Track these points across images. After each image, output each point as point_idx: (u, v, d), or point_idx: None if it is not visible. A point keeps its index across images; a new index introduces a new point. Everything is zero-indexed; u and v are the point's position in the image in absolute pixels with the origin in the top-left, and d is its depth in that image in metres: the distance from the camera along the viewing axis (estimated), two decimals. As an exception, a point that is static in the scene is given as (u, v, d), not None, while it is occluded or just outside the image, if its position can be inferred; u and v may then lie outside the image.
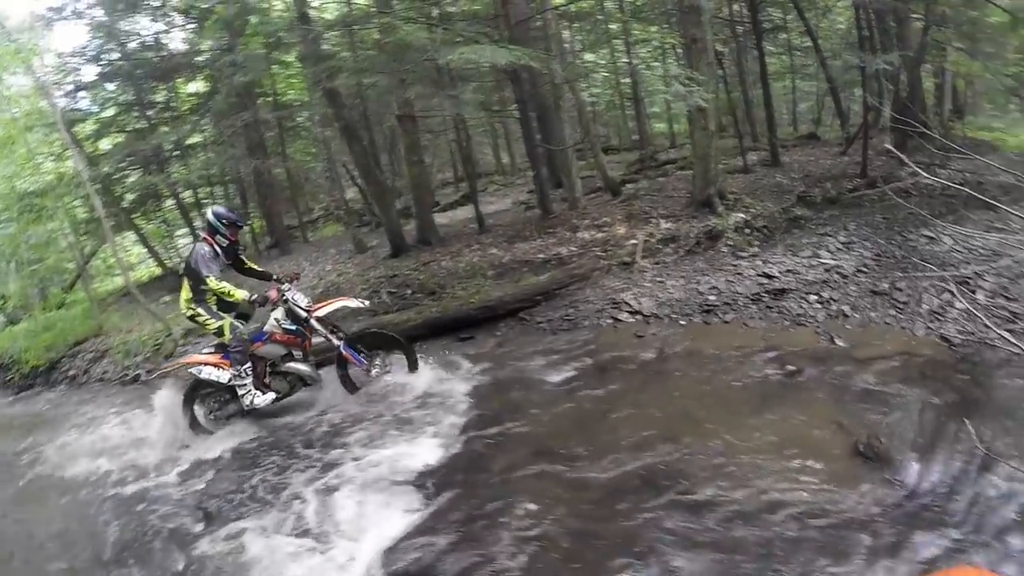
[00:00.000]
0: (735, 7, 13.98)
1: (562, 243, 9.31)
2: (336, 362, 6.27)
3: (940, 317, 6.59)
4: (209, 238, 5.96)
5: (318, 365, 6.45)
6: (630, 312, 7.25)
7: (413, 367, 6.36)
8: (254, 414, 6.16)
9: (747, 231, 8.26)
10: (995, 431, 4.61)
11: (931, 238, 8.15)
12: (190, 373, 6.16)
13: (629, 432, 4.90)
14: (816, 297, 6.95)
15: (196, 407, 6.26)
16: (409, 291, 9.16)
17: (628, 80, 15.60)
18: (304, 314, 6.05)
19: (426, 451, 5.00)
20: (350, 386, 6.29)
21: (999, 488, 3.97)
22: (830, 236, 8.10)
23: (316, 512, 4.46)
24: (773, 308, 6.90)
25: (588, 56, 16.59)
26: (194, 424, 6.22)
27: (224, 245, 6.05)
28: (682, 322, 6.94)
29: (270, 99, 15.02)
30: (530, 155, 10.98)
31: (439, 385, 6.20)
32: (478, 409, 5.66)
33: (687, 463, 4.45)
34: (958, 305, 6.27)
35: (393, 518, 4.24)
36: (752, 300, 7.01)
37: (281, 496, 4.78)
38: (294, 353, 6.25)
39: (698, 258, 8.02)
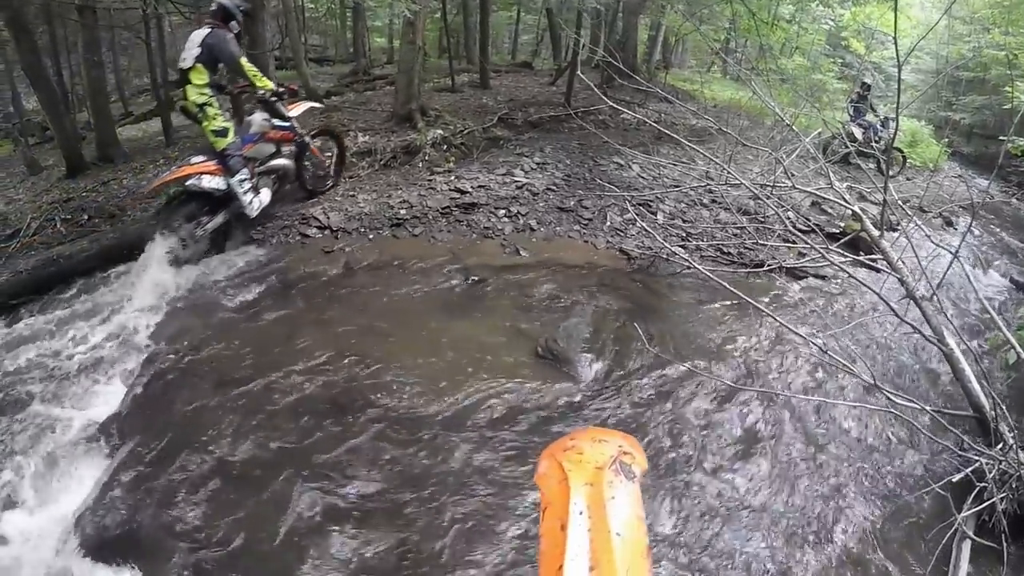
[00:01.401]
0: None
1: (255, 155, 8.43)
2: (298, 157, 6.57)
3: (621, 233, 6.89)
4: (223, 24, 5.63)
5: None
6: (319, 227, 6.71)
7: (343, 160, 7.33)
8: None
9: (445, 147, 8.04)
10: (659, 331, 5.07)
11: (621, 165, 8.52)
12: (189, 185, 5.72)
13: (314, 352, 4.60)
14: (505, 212, 6.91)
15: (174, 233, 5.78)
16: (86, 216, 7.75)
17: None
18: (287, 113, 6.20)
19: (106, 398, 4.36)
20: (307, 179, 6.90)
21: (660, 376, 4.48)
22: (526, 157, 8.14)
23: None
24: (463, 222, 6.76)
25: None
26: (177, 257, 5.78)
27: (236, 32, 5.79)
28: (371, 236, 6.57)
29: None
30: (226, 59, 9.80)
31: (117, 319, 5.33)
32: (159, 342, 4.95)
33: (374, 378, 4.29)
34: (638, 224, 6.51)
35: (80, 481, 3.71)
36: (442, 214, 6.82)
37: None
38: (282, 149, 6.39)
39: (393, 172, 7.66)
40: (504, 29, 18.01)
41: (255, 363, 4.53)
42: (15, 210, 8.54)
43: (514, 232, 6.65)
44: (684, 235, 7.01)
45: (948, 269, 4.51)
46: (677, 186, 7.74)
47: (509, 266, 6.00)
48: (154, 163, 9.07)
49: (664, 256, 6.24)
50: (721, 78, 18.46)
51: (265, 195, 6.15)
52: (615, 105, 7.45)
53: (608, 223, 7.00)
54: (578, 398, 4.17)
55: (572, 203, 7.23)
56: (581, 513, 0.68)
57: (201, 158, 5.78)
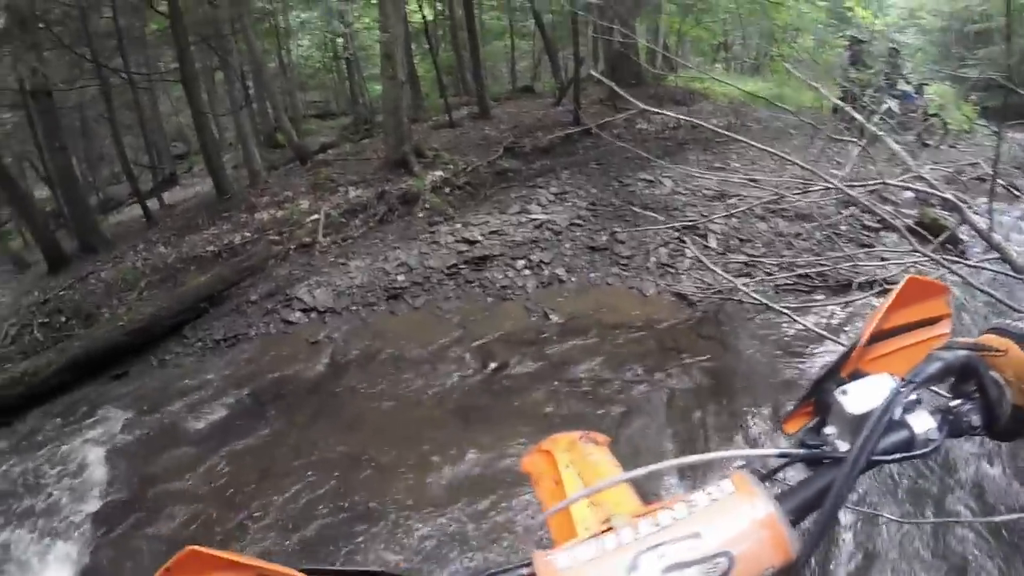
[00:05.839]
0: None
1: (237, 228, 6.99)
2: None
3: (671, 270, 5.28)
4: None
5: None
6: (303, 310, 5.25)
7: None
8: None
9: (447, 190, 6.50)
10: (758, 418, 3.35)
11: (650, 181, 6.91)
12: None
13: (290, 501, 3.30)
14: (524, 262, 5.33)
15: None
16: (63, 318, 6.43)
17: (342, 39, 13.15)
18: None
19: (55, 568, 3.29)
20: None
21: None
22: (541, 188, 6.55)
23: None
24: (473, 282, 5.21)
25: (300, 14, 13.71)
26: None
27: None
28: (363, 314, 5.10)
29: None
30: (196, 125, 8.37)
31: (74, 456, 4.16)
32: (115, 487, 3.80)
33: (368, 543, 2.88)
34: (689, 254, 4.93)
35: None
36: (448, 275, 5.28)
37: None
38: None
39: (390, 228, 6.15)
40: (501, 58, 16.53)
41: (218, 521, 3.28)
42: (-6, 317, 7.28)
43: (538, 288, 5.06)
44: (746, 260, 5.33)
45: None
46: (720, 198, 6.13)
47: (537, 338, 4.41)
48: (134, 248, 7.68)
49: (732, 297, 4.57)
50: (726, 73, 16.72)
51: None
52: (644, 107, 5.91)
53: (652, 259, 5.34)
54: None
55: (604, 239, 5.61)
56: (568, 467, 0.71)
57: None
